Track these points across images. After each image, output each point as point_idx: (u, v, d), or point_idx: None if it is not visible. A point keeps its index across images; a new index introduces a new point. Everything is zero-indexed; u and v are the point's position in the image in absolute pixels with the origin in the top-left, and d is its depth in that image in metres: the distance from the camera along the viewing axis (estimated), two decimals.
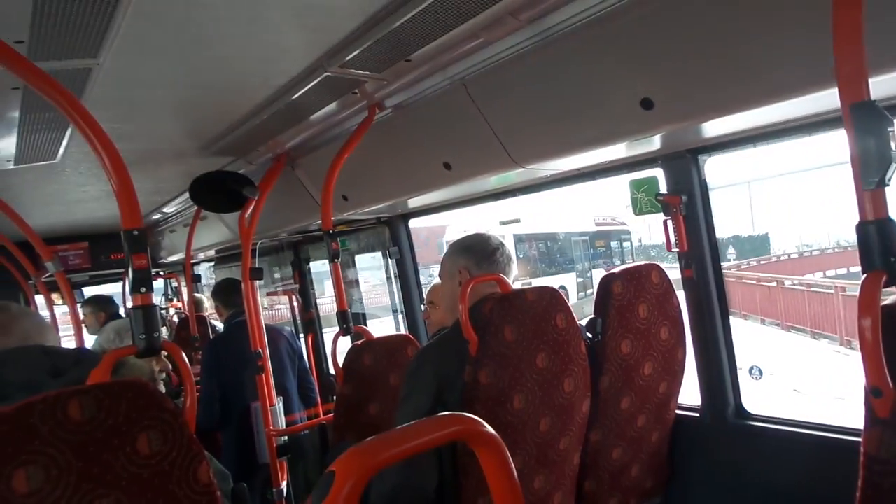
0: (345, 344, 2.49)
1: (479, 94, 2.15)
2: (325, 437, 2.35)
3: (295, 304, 4.47)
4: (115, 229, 5.33)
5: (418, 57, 1.97)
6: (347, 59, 1.94)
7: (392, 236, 3.46)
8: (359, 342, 2.37)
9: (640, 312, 2.07)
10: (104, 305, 4.53)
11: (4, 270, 4.60)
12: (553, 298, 1.87)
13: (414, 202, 3.25)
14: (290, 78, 2.14)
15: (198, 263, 6.21)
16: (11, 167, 2.57)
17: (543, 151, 2.20)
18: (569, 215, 15.81)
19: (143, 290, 1.26)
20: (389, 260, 3.45)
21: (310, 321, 4.45)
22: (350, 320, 2.43)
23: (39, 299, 4.76)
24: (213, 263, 5.95)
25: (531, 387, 1.79)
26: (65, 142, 2.47)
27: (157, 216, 4.84)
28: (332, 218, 3.46)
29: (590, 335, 2.01)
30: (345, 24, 1.76)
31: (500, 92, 2.10)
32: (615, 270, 2.09)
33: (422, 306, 3.00)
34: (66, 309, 4.47)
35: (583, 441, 1.99)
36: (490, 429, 0.59)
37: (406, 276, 3.45)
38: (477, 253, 1.96)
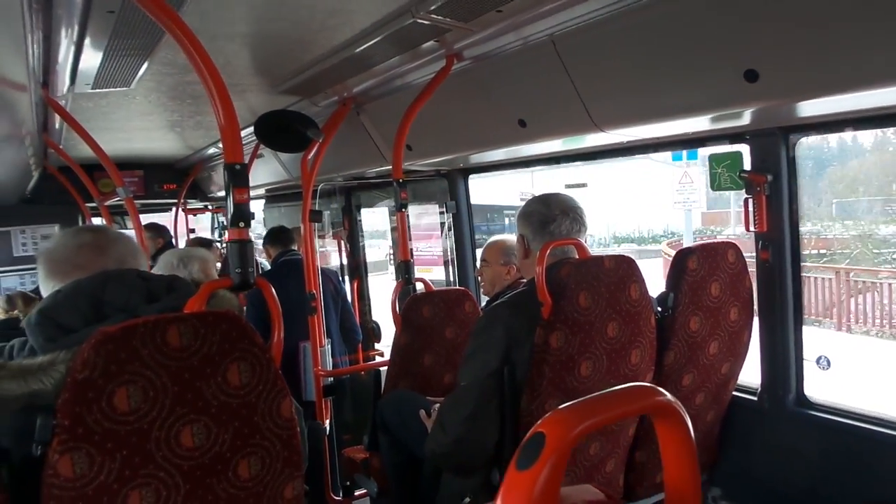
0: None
1: (567, 52, 2.07)
2: (378, 383, 2.38)
3: (343, 248, 4.50)
4: (168, 160, 5.44)
5: (510, 8, 1.90)
6: (437, 5, 1.88)
7: (450, 190, 3.42)
8: (419, 293, 2.38)
9: (713, 290, 2.03)
10: (162, 232, 4.64)
11: (63, 192, 4.71)
12: (629, 268, 1.83)
13: (475, 158, 3.21)
14: (373, 21, 2.09)
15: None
16: (88, 90, 2.58)
17: (627, 117, 2.14)
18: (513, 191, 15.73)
19: (241, 224, 1.26)
20: (446, 214, 3.43)
21: (356, 266, 4.48)
22: (413, 270, 2.43)
23: (96, 223, 4.89)
24: (262, 202, 5.99)
25: (599, 355, 1.78)
26: (142, 70, 2.47)
27: (211, 150, 4.87)
28: (390, 167, 3.45)
29: (660, 309, 1.97)
30: None
31: (590, 51, 2.03)
32: (691, 245, 2.04)
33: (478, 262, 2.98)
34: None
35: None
36: (678, 404, 0.57)
37: (461, 230, 3.43)
38: (534, 222, 1.92)
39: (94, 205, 5.07)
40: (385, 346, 4.38)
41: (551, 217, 1.86)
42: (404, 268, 2.42)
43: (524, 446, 0.50)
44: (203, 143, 4.58)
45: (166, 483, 1.16)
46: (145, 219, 6.35)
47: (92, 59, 2.19)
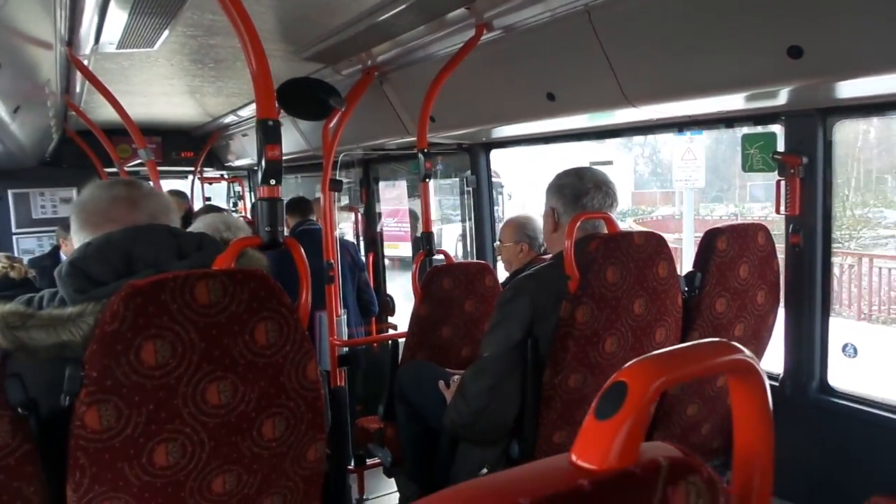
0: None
1: (602, 24, 2.02)
2: (396, 353, 2.38)
3: (359, 220, 4.48)
4: (186, 127, 5.41)
5: None
6: None
7: (472, 164, 3.39)
8: (439, 265, 2.36)
9: (741, 272, 1.99)
10: (184, 198, 4.65)
11: (81, 155, 4.71)
12: (659, 245, 1.80)
13: (498, 132, 3.17)
14: None
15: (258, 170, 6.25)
16: (112, 51, 2.56)
17: (660, 92, 2.09)
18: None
19: (272, 181, 1.24)
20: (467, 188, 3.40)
21: (372, 239, 4.46)
22: (434, 242, 2.41)
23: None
24: None
25: (624, 331, 1.75)
26: (167, 31, 2.44)
27: (230, 119, 4.84)
28: (412, 139, 3.42)
29: (686, 288, 1.94)
30: None
31: (625, 24, 1.97)
32: (721, 226, 2.00)
33: (495, 243, 2.96)
34: None
35: (661, 392, 1.96)
36: (757, 363, 0.54)
37: (481, 205, 3.40)
38: (566, 195, 1.88)
39: (112, 169, 5.08)
40: (398, 319, 4.38)
41: (584, 190, 1.83)
42: (426, 239, 2.40)
43: (604, 395, 0.48)
44: (222, 111, 4.56)
45: (192, 439, 1.15)
46: (161, 185, 6.38)
47: (118, 16, 2.16)
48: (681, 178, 11.77)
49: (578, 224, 1.73)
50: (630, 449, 0.46)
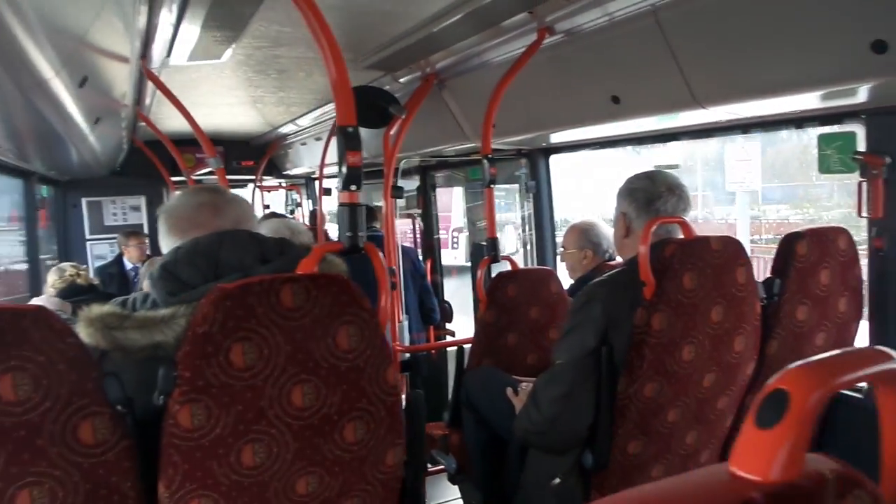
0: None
1: (670, 24, 1.97)
2: (461, 359, 2.37)
3: (417, 227, 4.50)
4: (246, 137, 5.55)
5: None
6: None
7: (531, 170, 3.36)
8: (505, 271, 2.34)
9: (822, 278, 1.91)
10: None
11: (148, 165, 4.89)
12: (736, 250, 1.74)
13: (558, 137, 3.13)
14: None
15: (317, 179, 6.37)
16: (182, 63, 2.64)
17: (731, 92, 2.02)
18: None
19: (352, 188, 1.25)
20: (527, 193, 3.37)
21: (430, 246, 4.48)
22: (499, 248, 2.40)
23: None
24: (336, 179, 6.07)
25: (702, 339, 1.70)
26: (236, 42, 2.50)
27: (289, 128, 4.94)
28: (472, 145, 3.42)
29: (764, 295, 1.87)
30: None
31: (695, 23, 1.92)
32: (800, 229, 1.92)
33: (558, 249, 2.92)
34: None
35: (739, 404, 1.89)
36: None
37: (541, 211, 3.37)
38: (638, 199, 1.84)
39: (178, 178, 5.26)
40: (454, 325, 4.38)
41: (657, 194, 1.79)
42: (491, 245, 2.39)
43: (764, 403, 0.45)
44: (282, 120, 4.66)
45: (277, 440, 1.17)
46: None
47: (190, 30, 2.23)
48: (735, 180, 11.44)
49: (632, 228, 1.70)
50: (794, 460, 0.44)
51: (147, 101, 3.50)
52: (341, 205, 1.27)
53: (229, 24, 2.26)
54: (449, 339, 4.14)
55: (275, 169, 6.17)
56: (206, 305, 1.10)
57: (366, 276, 1.28)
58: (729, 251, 1.73)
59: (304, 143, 5.11)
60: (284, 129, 5.01)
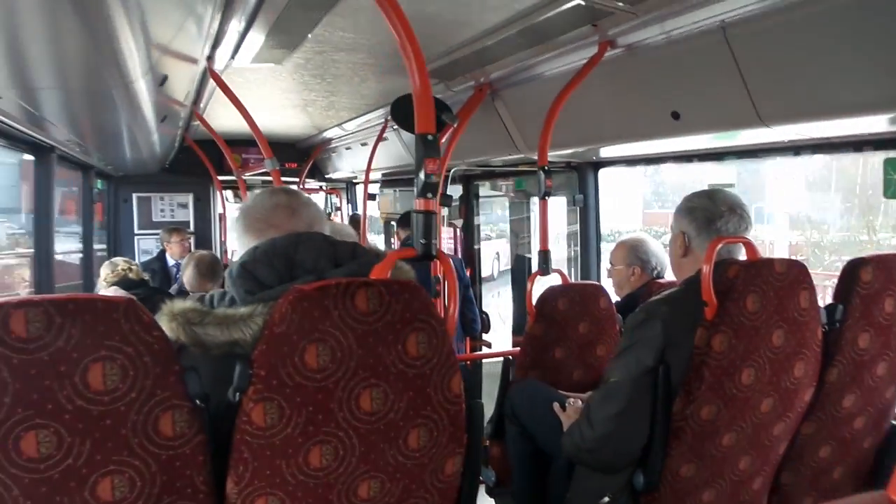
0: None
1: (739, 40, 1.95)
2: (507, 371, 2.36)
3: (458, 236, 4.51)
4: (293, 139, 5.63)
5: None
6: None
7: (580, 183, 3.35)
8: (555, 285, 2.33)
9: (886, 306, 1.86)
10: None
11: (195, 164, 5.00)
12: (800, 274, 1.71)
13: (609, 151, 3.12)
14: (535, 1, 2.05)
15: (357, 183, 6.43)
16: (247, 65, 2.70)
17: (797, 112, 1.99)
18: None
19: (428, 195, 1.27)
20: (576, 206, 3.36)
21: (470, 255, 4.48)
22: (550, 261, 2.39)
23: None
24: (378, 184, 6.13)
25: (762, 363, 1.67)
26: (299, 45, 2.55)
27: (335, 132, 5.00)
28: (520, 156, 3.42)
29: (826, 321, 1.83)
30: None
31: (765, 40, 1.90)
32: (864, 255, 1.88)
33: (606, 265, 2.89)
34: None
35: (794, 431, 1.85)
36: None
37: (587, 225, 3.35)
38: (698, 218, 1.82)
39: (225, 177, 5.36)
40: (491, 336, 4.36)
41: (718, 213, 1.76)
42: (543, 257, 2.38)
43: None
44: (329, 124, 4.72)
45: (344, 443, 1.18)
46: None
47: (258, 34, 2.28)
48: (776, 200, 11.23)
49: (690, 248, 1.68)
50: None
51: (203, 101, 3.58)
52: (416, 212, 1.28)
53: (296, 30, 2.30)
54: (485, 350, 4.13)
55: (318, 172, 6.25)
56: (283, 305, 1.12)
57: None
58: (792, 274, 1.70)
59: (348, 148, 5.17)
60: (330, 133, 5.08)
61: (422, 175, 1.26)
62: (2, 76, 1.52)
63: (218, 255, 5.72)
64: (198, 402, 1.11)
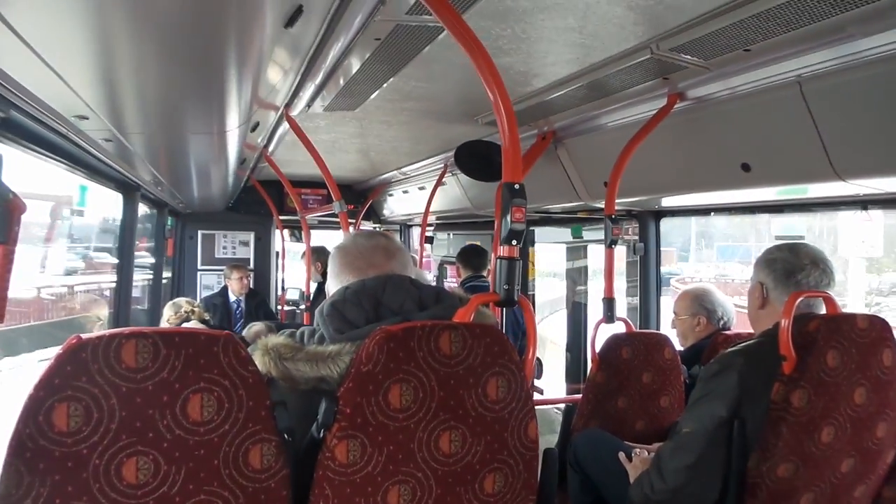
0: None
1: (815, 96, 1.95)
2: (569, 419, 2.34)
3: None
4: (350, 181, 5.79)
5: (760, 47, 1.83)
6: (682, 42, 1.86)
7: (640, 231, 3.34)
8: (619, 333, 2.32)
9: None
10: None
11: (259, 203, 5.18)
12: (883, 330, 1.66)
13: (671, 200, 3.11)
14: (607, 55, 2.10)
15: (412, 226, 6.53)
16: (318, 111, 2.81)
17: (874, 166, 1.97)
18: None
19: (513, 242, 1.30)
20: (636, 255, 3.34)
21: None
22: (615, 308, 2.38)
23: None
24: (432, 227, 6.21)
25: (843, 422, 1.62)
26: (371, 97, 2.65)
27: (393, 174, 5.12)
28: (577, 203, 3.43)
29: None
30: (692, 6, 1.66)
31: (841, 94, 1.90)
32: None
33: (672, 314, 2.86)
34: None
35: (876, 494, 1.77)
36: None
37: (647, 273, 3.33)
38: (778, 270, 1.79)
39: (287, 217, 5.53)
40: (543, 383, 4.31)
41: (799, 266, 1.74)
42: (607, 305, 2.38)
43: None
44: (389, 168, 4.84)
45: (422, 484, 1.20)
46: (317, 235, 6.88)
47: (336, 83, 2.39)
48: (852, 244, 10.81)
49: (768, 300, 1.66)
50: None
51: (272, 144, 3.74)
52: (500, 258, 1.32)
53: (372, 81, 2.40)
54: (537, 396, 4.08)
55: (373, 213, 6.38)
56: (370, 345, 1.15)
57: None
58: (875, 330, 1.65)
59: (406, 192, 5.28)
60: (388, 176, 5.20)
61: (508, 222, 1.29)
62: (112, 119, 1.64)
63: (276, 291, 5.89)
64: (286, 436, 1.14)
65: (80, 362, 1.03)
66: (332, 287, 1.39)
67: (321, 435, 1.15)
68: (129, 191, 3.20)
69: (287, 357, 1.20)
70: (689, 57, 1.97)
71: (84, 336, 1.04)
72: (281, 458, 1.15)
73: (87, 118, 1.56)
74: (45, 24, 1.03)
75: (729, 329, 2.60)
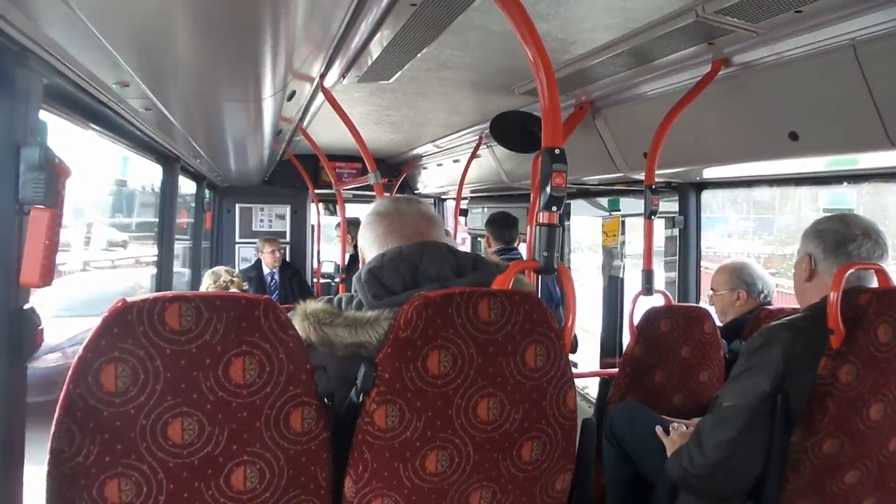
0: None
1: (870, 59, 1.86)
2: (605, 392, 2.32)
3: None
4: (384, 155, 5.78)
5: (813, 8, 1.75)
6: (728, 4, 1.78)
7: (680, 204, 3.27)
8: (658, 306, 2.28)
9: None
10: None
11: (294, 177, 5.22)
12: None
13: (713, 171, 3.02)
14: (649, 20, 2.03)
15: (446, 199, 6.51)
16: (354, 83, 2.80)
17: None
18: None
19: (553, 208, 1.28)
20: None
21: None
22: (653, 281, 2.34)
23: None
24: (466, 200, 6.19)
25: (892, 399, 1.57)
26: (406, 66, 2.62)
27: (427, 148, 5.09)
28: (615, 175, 3.36)
29: None
30: None
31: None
32: None
33: (708, 291, 2.80)
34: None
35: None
36: None
37: (687, 247, 3.26)
38: (827, 240, 1.72)
39: (322, 190, 5.58)
40: (577, 357, 4.29)
41: (850, 236, 1.67)
42: (646, 277, 2.34)
43: None
44: (423, 140, 4.81)
45: (460, 450, 1.20)
46: (350, 209, 6.91)
47: (373, 51, 2.37)
48: None
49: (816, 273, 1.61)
50: None
51: (307, 117, 3.74)
52: (540, 224, 1.29)
53: (409, 47, 2.37)
54: (573, 370, 4.07)
55: (407, 187, 6.38)
56: (409, 311, 1.15)
57: None
58: None
59: (440, 164, 5.25)
60: (422, 149, 5.18)
61: (548, 188, 1.27)
62: (152, 86, 1.65)
63: (312, 264, 5.96)
64: (325, 400, 1.15)
65: (125, 324, 1.05)
66: (371, 253, 1.39)
67: (360, 400, 1.16)
68: (170, 162, 3.25)
69: (326, 322, 1.21)
70: (736, 20, 1.89)
71: (129, 299, 1.06)
72: (321, 422, 1.16)
73: (129, 85, 1.58)
74: None
75: (770, 303, 2.54)
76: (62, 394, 1.04)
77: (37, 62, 1.26)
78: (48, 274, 1.11)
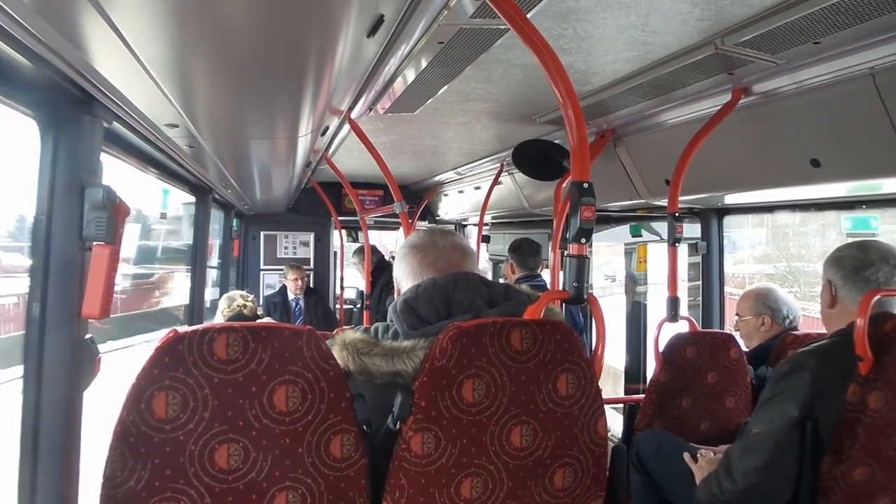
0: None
1: (889, 87, 1.89)
2: (632, 419, 2.33)
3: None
4: (406, 182, 5.87)
5: (830, 39, 1.79)
6: (748, 37, 1.83)
7: (702, 229, 3.28)
8: (683, 332, 2.29)
9: None
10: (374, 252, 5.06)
11: (317, 204, 5.31)
12: None
13: (734, 197, 3.04)
14: (670, 52, 2.08)
15: (467, 225, 6.56)
16: (380, 114, 2.87)
17: None
18: None
19: (583, 240, 1.32)
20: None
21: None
22: (679, 307, 2.36)
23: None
24: (487, 227, 6.24)
25: None
26: (431, 99, 2.69)
27: (448, 175, 5.16)
28: (636, 202, 3.39)
29: None
30: (759, 0, 1.64)
31: None
32: None
33: (734, 317, 2.80)
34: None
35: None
36: None
37: (710, 273, 3.27)
38: (846, 267, 1.74)
39: (344, 218, 5.66)
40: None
41: (867, 262, 1.69)
42: (671, 304, 2.36)
43: None
44: (444, 168, 4.88)
45: (494, 477, 1.23)
46: (372, 236, 7.00)
47: (400, 86, 2.44)
48: None
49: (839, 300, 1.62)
50: None
51: (333, 146, 3.83)
52: (570, 256, 1.33)
53: (435, 83, 2.44)
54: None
55: (428, 213, 6.45)
56: (444, 341, 1.19)
57: None
58: None
59: (461, 192, 5.31)
60: (443, 177, 5.25)
61: (577, 221, 1.31)
62: (199, 126, 1.73)
63: (335, 290, 6.03)
64: (364, 427, 1.19)
65: (177, 354, 1.10)
66: (407, 284, 1.43)
67: (397, 427, 1.19)
68: (202, 193, 3.35)
69: (364, 352, 1.25)
70: (755, 52, 1.94)
71: (180, 330, 1.11)
72: (360, 448, 1.20)
73: (177, 126, 1.66)
74: (150, 33, 1.11)
75: (797, 328, 2.54)
76: (116, 420, 1.09)
77: (100, 108, 1.34)
78: (106, 307, 1.18)
